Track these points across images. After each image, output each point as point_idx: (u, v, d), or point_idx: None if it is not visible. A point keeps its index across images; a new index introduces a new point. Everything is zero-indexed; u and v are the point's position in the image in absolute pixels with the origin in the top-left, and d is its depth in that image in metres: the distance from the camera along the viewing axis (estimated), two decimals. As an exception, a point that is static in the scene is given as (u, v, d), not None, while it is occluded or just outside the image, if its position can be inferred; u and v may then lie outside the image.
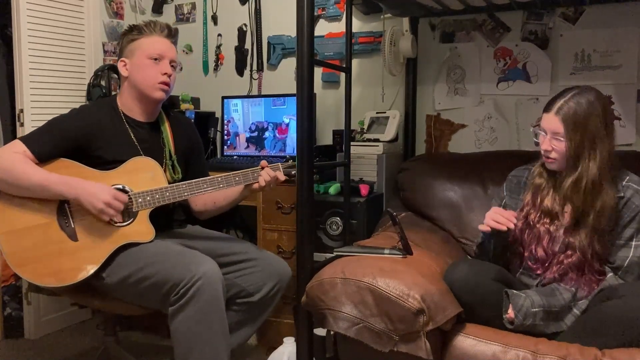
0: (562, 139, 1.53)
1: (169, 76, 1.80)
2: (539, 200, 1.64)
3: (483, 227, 1.59)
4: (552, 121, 1.55)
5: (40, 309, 2.53)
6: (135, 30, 1.81)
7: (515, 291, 1.50)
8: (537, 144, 1.63)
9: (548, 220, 1.62)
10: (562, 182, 1.58)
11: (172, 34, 1.84)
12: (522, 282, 1.65)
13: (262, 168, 1.78)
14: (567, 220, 1.59)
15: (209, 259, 1.63)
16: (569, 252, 1.56)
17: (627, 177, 1.58)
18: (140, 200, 1.72)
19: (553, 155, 1.57)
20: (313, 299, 1.52)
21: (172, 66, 1.82)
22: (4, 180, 1.64)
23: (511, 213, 1.59)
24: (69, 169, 1.70)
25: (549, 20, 2.29)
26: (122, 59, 1.82)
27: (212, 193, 1.90)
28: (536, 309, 1.46)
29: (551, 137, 1.56)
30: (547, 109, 1.58)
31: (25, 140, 1.68)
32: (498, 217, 1.55)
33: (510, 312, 1.47)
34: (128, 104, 1.82)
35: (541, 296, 1.49)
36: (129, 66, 1.80)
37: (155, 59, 1.78)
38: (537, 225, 1.63)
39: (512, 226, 1.54)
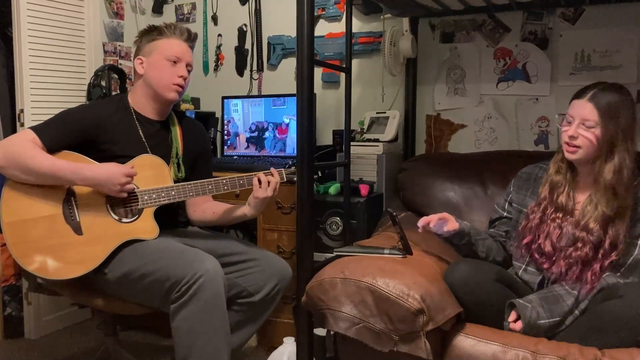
0: (592, 125, 1.52)
1: (184, 79, 1.82)
2: (555, 196, 1.63)
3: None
4: (584, 107, 1.54)
5: (40, 309, 2.53)
6: (155, 31, 1.83)
7: (520, 301, 1.49)
8: (555, 136, 1.64)
9: (560, 216, 1.62)
10: (600, 181, 1.55)
11: (191, 38, 1.87)
12: (524, 280, 1.65)
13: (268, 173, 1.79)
14: (577, 210, 1.59)
15: (211, 257, 1.63)
16: (579, 245, 1.55)
17: (638, 178, 1.57)
18: (146, 197, 1.73)
19: (578, 142, 1.54)
20: (313, 299, 1.52)
21: (187, 70, 1.84)
22: (12, 166, 1.64)
23: (449, 224, 1.64)
24: (76, 162, 1.71)
25: (549, 20, 2.29)
26: (139, 56, 1.84)
27: (213, 205, 1.94)
28: (541, 322, 1.46)
29: (579, 123, 1.54)
30: (578, 96, 1.58)
31: (36, 129, 1.69)
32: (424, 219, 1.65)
33: (518, 324, 1.47)
34: (140, 102, 1.84)
35: (544, 307, 1.48)
36: (145, 65, 1.82)
37: (173, 61, 1.80)
38: (549, 221, 1.63)
39: (419, 226, 1.63)
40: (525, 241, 1.65)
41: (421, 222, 1.65)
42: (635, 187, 1.55)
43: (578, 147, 1.55)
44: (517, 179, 1.79)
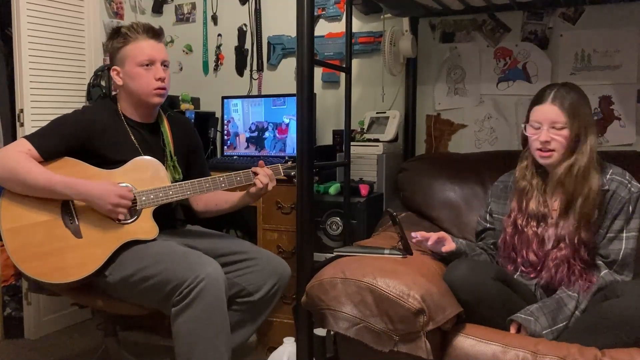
0: (561, 126, 1.55)
1: (163, 80, 1.79)
2: (524, 204, 1.65)
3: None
4: (550, 111, 1.57)
5: (40, 309, 2.53)
6: (120, 37, 1.79)
7: (522, 315, 1.49)
8: (524, 141, 1.67)
9: (535, 224, 1.63)
10: (551, 175, 1.61)
11: (157, 34, 1.82)
12: (520, 282, 1.65)
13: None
14: (555, 210, 1.61)
15: (213, 260, 1.63)
16: (562, 245, 1.57)
17: (611, 170, 1.60)
18: (144, 198, 1.72)
19: (552, 145, 1.57)
20: (313, 299, 1.52)
21: (165, 66, 1.82)
22: (9, 179, 1.64)
23: (446, 247, 1.66)
24: (74, 167, 1.71)
25: (549, 20, 2.29)
26: (114, 67, 1.81)
27: (213, 196, 1.93)
28: (545, 332, 1.46)
29: (549, 127, 1.57)
30: (539, 101, 1.61)
31: (30, 138, 1.69)
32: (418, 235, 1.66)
33: (523, 334, 1.48)
34: (127, 108, 1.84)
35: (547, 315, 1.49)
36: (122, 75, 1.80)
37: (147, 65, 1.77)
38: (526, 230, 1.64)
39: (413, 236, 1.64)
40: (504, 255, 1.67)
41: (419, 235, 1.65)
42: (608, 182, 1.57)
43: (552, 150, 1.57)
44: (494, 188, 1.81)
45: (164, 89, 1.80)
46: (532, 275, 1.63)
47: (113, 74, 1.82)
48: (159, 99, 1.81)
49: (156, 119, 1.89)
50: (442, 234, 1.69)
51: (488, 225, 1.80)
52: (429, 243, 1.65)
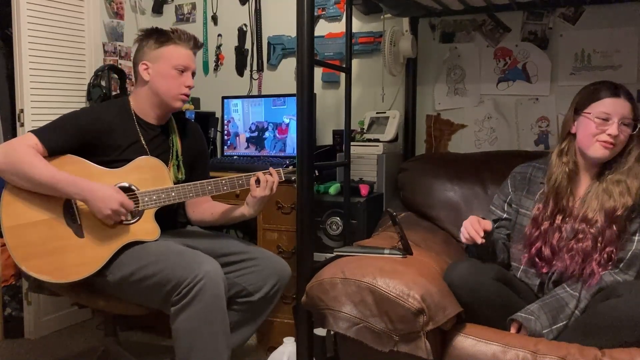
0: (628, 123, 1.56)
1: (190, 88, 1.83)
2: (557, 200, 1.63)
3: (461, 238, 1.59)
4: (624, 106, 1.56)
5: (40, 309, 2.52)
6: (163, 36, 1.80)
7: (522, 314, 1.49)
8: (566, 134, 1.66)
9: (561, 218, 1.62)
10: (596, 166, 1.61)
11: (197, 46, 1.87)
12: (523, 281, 1.65)
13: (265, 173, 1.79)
14: (576, 207, 1.60)
15: (211, 259, 1.63)
16: (580, 236, 1.56)
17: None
18: (146, 199, 1.73)
19: (619, 139, 1.56)
20: (313, 299, 1.52)
21: (192, 76, 1.85)
22: (13, 172, 1.63)
23: (484, 224, 1.55)
24: (76, 165, 1.71)
25: (549, 20, 2.29)
26: (144, 62, 1.81)
27: (211, 207, 1.94)
28: (545, 332, 1.46)
29: (619, 122, 1.55)
30: (613, 94, 1.58)
31: (38, 133, 1.68)
32: (470, 230, 1.54)
33: (523, 333, 1.48)
34: (143, 107, 1.83)
35: (547, 314, 1.48)
36: (152, 72, 1.80)
37: (181, 71, 1.80)
38: (552, 225, 1.62)
39: (479, 241, 1.52)
40: (534, 248, 1.63)
41: (473, 233, 1.54)
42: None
43: (614, 144, 1.56)
44: (512, 179, 1.78)
45: (188, 95, 1.84)
46: (544, 270, 1.61)
47: (141, 68, 1.81)
48: (180, 104, 1.83)
49: (167, 121, 1.90)
50: (475, 216, 1.60)
51: (505, 215, 1.76)
52: (487, 227, 1.55)
